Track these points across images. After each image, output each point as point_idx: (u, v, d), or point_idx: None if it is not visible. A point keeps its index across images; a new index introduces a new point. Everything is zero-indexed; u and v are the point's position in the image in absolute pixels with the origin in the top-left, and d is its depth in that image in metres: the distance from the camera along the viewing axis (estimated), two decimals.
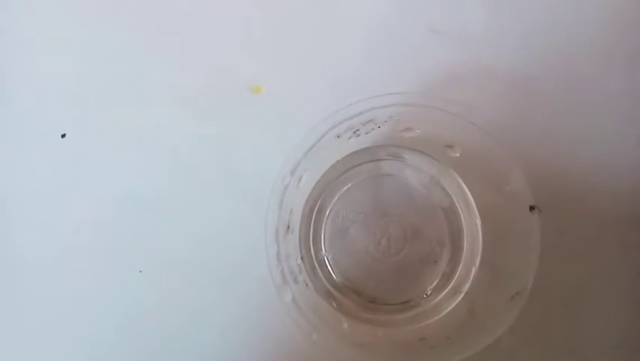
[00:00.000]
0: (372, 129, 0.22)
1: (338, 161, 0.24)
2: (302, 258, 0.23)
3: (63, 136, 0.25)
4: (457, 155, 0.23)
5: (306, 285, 0.22)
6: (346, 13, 0.26)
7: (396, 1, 0.26)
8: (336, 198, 0.25)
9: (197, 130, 0.25)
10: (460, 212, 0.24)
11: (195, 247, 0.24)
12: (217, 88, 0.25)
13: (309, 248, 0.24)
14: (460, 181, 0.24)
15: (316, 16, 0.26)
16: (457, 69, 0.25)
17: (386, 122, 0.22)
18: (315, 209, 0.24)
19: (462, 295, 0.23)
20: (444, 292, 0.24)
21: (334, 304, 0.23)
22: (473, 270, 0.23)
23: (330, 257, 0.24)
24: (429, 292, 0.24)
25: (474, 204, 0.24)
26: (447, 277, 0.24)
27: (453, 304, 0.23)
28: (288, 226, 0.21)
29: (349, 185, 0.25)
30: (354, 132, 0.22)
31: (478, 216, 0.24)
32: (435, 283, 0.24)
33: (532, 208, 0.20)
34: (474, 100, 0.25)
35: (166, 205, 0.25)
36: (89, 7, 0.26)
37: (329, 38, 0.26)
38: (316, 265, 0.24)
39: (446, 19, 0.25)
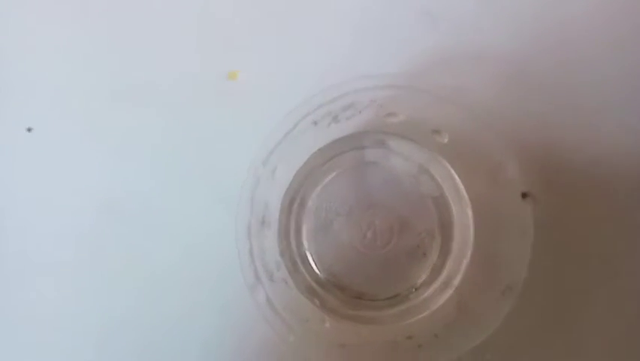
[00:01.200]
0: (353, 115, 0.21)
1: (319, 149, 0.23)
2: (281, 253, 0.22)
3: (29, 130, 0.24)
4: (445, 141, 0.21)
5: (285, 282, 0.21)
6: None
7: None
8: (319, 189, 0.23)
9: (171, 121, 0.24)
10: (451, 201, 0.23)
11: (170, 246, 0.23)
12: (192, 76, 0.24)
13: (290, 243, 0.23)
14: (450, 169, 0.23)
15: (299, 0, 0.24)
16: (448, 53, 0.24)
17: (368, 106, 0.21)
18: (296, 201, 0.23)
19: (452, 289, 0.22)
20: (433, 286, 0.23)
21: (317, 302, 0.22)
22: (464, 263, 0.22)
23: (313, 252, 0.23)
24: (418, 286, 0.23)
25: (465, 193, 0.22)
26: (437, 271, 0.23)
27: (443, 299, 0.22)
28: (264, 221, 0.20)
29: (332, 175, 0.23)
30: (334, 118, 0.21)
31: (470, 206, 0.22)
32: (424, 277, 0.23)
33: (524, 195, 0.19)
34: (465, 84, 0.23)
35: (140, 204, 0.23)
36: (59, 3, 0.24)
37: (313, 21, 0.24)
38: (298, 261, 0.23)
39: (437, 1, 0.24)
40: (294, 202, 0.23)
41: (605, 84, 0.23)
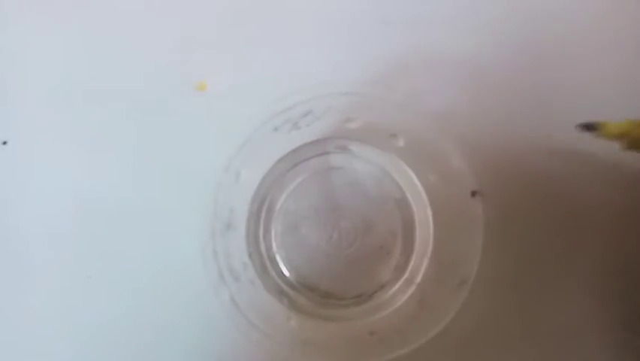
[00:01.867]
0: (313, 121, 0.22)
1: (285, 155, 0.24)
2: (250, 256, 0.23)
3: (4, 143, 0.25)
4: (401, 144, 0.22)
5: (252, 283, 0.22)
6: (291, 3, 0.25)
7: None
8: (286, 194, 0.24)
9: (142, 130, 0.25)
10: (412, 202, 0.24)
11: (141, 249, 0.24)
12: (161, 87, 0.25)
13: (259, 246, 0.24)
14: (409, 170, 0.24)
15: (260, 8, 0.25)
16: (405, 57, 0.25)
17: (326, 113, 0.22)
18: (265, 206, 0.24)
19: (415, 286, 0.23)
20: (398, 285, 0.24)
21: (286, 302, 0.23)
22: (425, 260, 0.23)
23: (281, 254, 0.24)
24: (383, 285, 0.24)
25: (424, 194, 0.23)
26: (400, 269, 0.24)
27: (406, 296, 0.23)
28: (229, 224, 0.21)
29: (299, 180, 0.24)
30: (294, 125, 0.22)
31: (429, 206, 0.23)
32: (388, 276, 0.24)
33: (474, 194, 0.20)
34: (421, 88, 0.25)
35: (113, 207, 0.24)
36: (33, 11, 0.25)
37: (274, 31, 0.25)
38: (267, 263, 0.24)
39: (394, 7, 0.25)
40: (262, 206, 0.24)
41: (560, 86, 0.24)
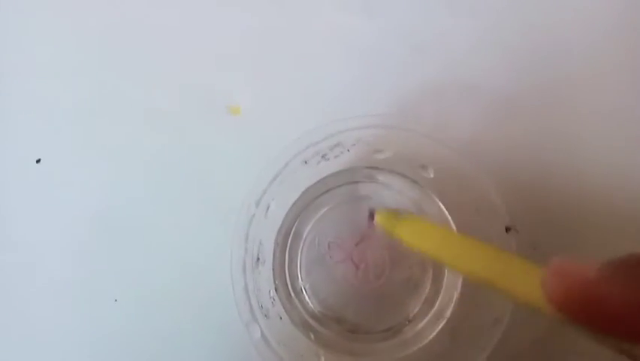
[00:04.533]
0: (342, 153, 0.22)
1: (310, 186, 0.24)
2: (276, 289, 0.22)
3: (38, 161, 0.25)
4: (431, 176, 0.22)
5: (280, 318, 0.21)
6: (324, 32, 0.25)
7: (377, 18, 0.25)
8: (312, 223, 0.24)
9: (175, 153, 0.25)
10: None
11: (170, 275, 0.24)
12: (195, 109, 0.25)
13: (285, 278, 0.23)
14: (438, 202, 0.23)
15: (295, 36, 0.25)
16: (437, 86, 0.25)
17: (354, 145, 0.21)
18: (290, 236, 0.24)
19: (444, 320, 0.22)
20: (427, 318, 0.23)
21: (312, 336, 0.22)
22: (455, 294, 0.23)
23: (307, 286, 0.24)
24: (411, 318, 0.23)
25: (453, 225, 0.23)
26: (429, 302, 0.23)
27: (436, 331, 0.22)
28: (258, 258, 0.21)
29: (325, 209, 0.24)
30: (323, 157, 0.21)
31: None
32: (417, 309, 0.23)
33: (508, 229, 0.19)
34: (453, 118, 0.24)
35: (141, 231, 0.24)
36: (63, 29, 0.26)
37: (308, 58, 0.25)
38: (292, 295, 0.23)
39: (427, 36, 0.25)
40: (288, 237, 0.24)
41: (593, 120, 0.24)
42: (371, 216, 0.21)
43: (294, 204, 0.23)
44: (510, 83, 0.25)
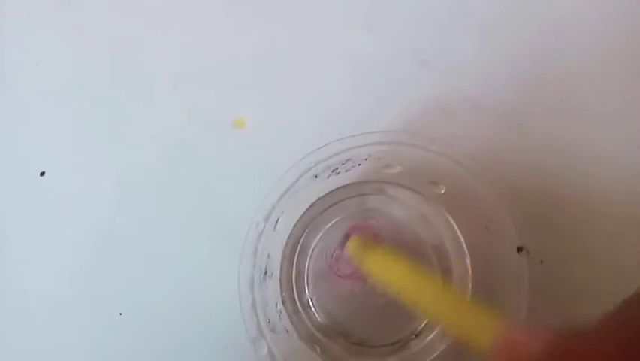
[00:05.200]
0: (352, 167, 0.22)
1: (319, 198, 0.23)
2: (283, 301, 0.22)
3: (42, 174, 0.25)
4: (442, 191, 0.22)
5: (287, 332, 0.21)
6: (332, 46, 0.25)
7: (383, 34, 0.25)
8: (320, 235, 0.24)
9: (179, 166, 0.25)
10: (450, 250, 0.23)
11: (175, 289, 0.24)
12: (200, 123, 0.25)
13: (292, 290, 0.23)
14: (449, 217, 0.23)
15: (302, 50, 0.25)
16: (445, 101, 0.25)
17: (365, 160, 0.21)
18: (298, 248, 0.24)
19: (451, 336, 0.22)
20: (434, 333, 0.23)
21: (318, 350, 0.22)
22: None
23: (314, 298, 0.23)
24: (418, 333, 0.23)
25: (463, 242, 0.23)
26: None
27: (443, 346, 0.22)
28: (266, 272, 0.21)
29: (333, 221, 0.24)
30: (333, 171, 0.21)
31: (468, 255, 0.23)
32: (424, 323, 0.23)
33: (519, 250, 0.19)
34: (461, 132, 0.24)
35: (146, 246, 0.24)
36: (72, 45, 0.26)
37: (315, 72, 0.25)
38: (299, 308, 0.23)
39: (434, 51, 0.25)
40: (295, 249, 0.24)
41: (605, 135, 0.24)
42: (345, 238, 0.21)
43: (302, 216, 0.23)
44: (519, 97, 0.24)
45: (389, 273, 0.19)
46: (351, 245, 0.21)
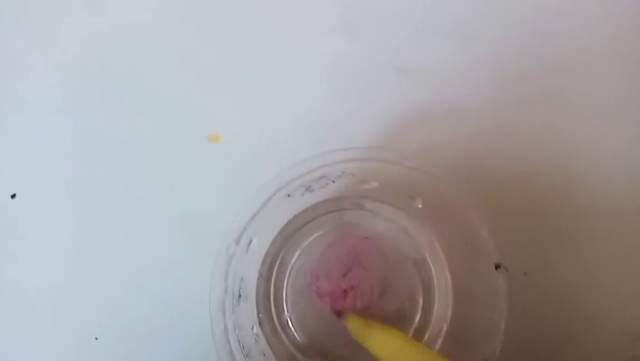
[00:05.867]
0: (327, 184, 0.21)
1: (296, 215, 0.23)
2: (260, 323, 0.22)
3: (13, 196, 0.24)
4: (420, 206, 0.22)
5: (264, 355, 0.21)
6: (307, 54, 0.25)
7: (360, 41, 0.24)
8: (299, 252, 0.23)
9: (152, 182, 0.24)
10: (431, 264, 0.23)
11: (150, 310, 0.23)
12: (172, 138, 0.24)
13: (270, 310, 0.23)
14: (429, 232, 0.23)
15: (277, 61, 0.25)
16: (424, 107, 0.24)
17: (339, 176, 0.21)
18: (275, 267, 0.23)
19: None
20: None
21: None
22: (444, 326, 0.22)
23: (293, 317, 0.23)
24: None
25: (443, 257, 0.22)
26: (418, 334, 0.23)
27: None
28: (239, 295, 0.20)
29: (312, 237, 0.23)
30: (307, 189, 0.21)
31: (448, 269, 0.22)
32: None
33: (497, 267, 0.19)
34: (442, 138, 0.24)
35: (120, 263, 0.24)
36: (42, 64, 0.25)
37: (289, 82, 0.24)
38: (278, 328, 0.23)
39: (413, 58, 0.24)
40: (273, 267, 0.23)
41: (590, 142, 0.23)
42: (337, 313, 0.21)
43: (278, 233, 0.23)
44: (499, 100, 0.24)
45: (392, 354, 0.18)
46: (351, 324, 0.20)
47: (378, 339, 0.18)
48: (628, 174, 0.23)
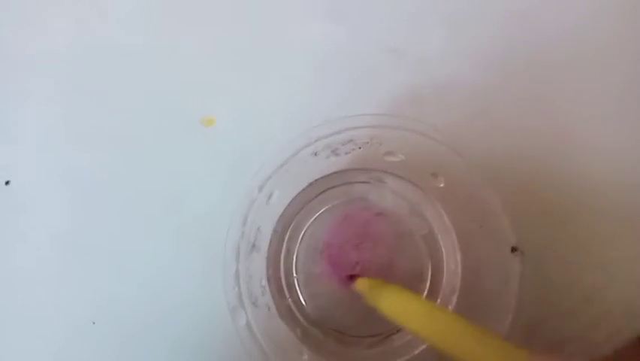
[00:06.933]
0: (353, 149, 0.21)
1: (317, 180, 0.23)
2: (268, 279, 0.22)
3: (7, 183, 0.24)
4: (441, 185, 0.22)
5: (268, 308, 0.21)
6: (296, 38, 0.24)
7: (349, 22, 0.24)
8: (313, 218, 0.23)
9: (146, 168, 0.24)
10: (441, 243, 0.23)
11: (145, 291, 0.23)
12: (167, 122, 0.24)
13: (279, 268, 0.23)
14: (443, 213, 0.23)
15: (268, 43, 0.24)
16: (416, 89, 0.24)
17: (367, 143, 0.21)
18: (290, 227, 0.23)
19: None
20: None
21: (298, 332, 0.22)
22: (449, 308, 0.22)
23: (300, 281, 0.23)
24: (400, 328, 0.23)
25: (455, 238, 0.22)
26: None
27: (425, 344, 0.22)
28: (254, 245, 0.20)
29: (327, 206, 0.24)
30: (333, 151, 0.21)
31: (459, 251, 0.22)
32: None
33: (514, 250, 0.19)
34: (436, 120, 0.23)
35: (115, 249, 0.23)
36: (31, 51, 0.25)
37: (280, 66, 0.24)
38: (284, 288, 0.23)
39: (403, 38, 0.24)
40: (288, 227, 0.23)
41: (605, 130, 0.23)
42: (350, 277, 0.21)
43: (298, 194, 0.23)
44: (494, 85, 0.24)
45: (407, 313, 0.18)
46: (361, 285, 0.20)
47: (391, 298, 0.18)
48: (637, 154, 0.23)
